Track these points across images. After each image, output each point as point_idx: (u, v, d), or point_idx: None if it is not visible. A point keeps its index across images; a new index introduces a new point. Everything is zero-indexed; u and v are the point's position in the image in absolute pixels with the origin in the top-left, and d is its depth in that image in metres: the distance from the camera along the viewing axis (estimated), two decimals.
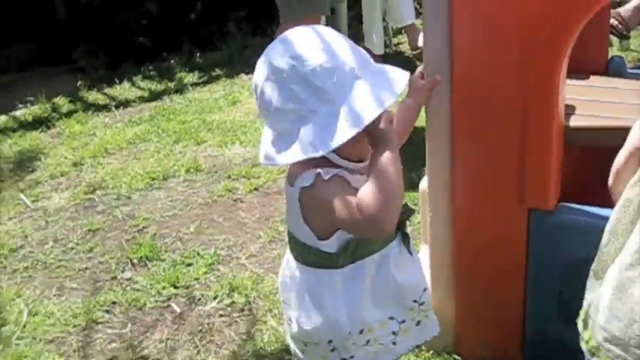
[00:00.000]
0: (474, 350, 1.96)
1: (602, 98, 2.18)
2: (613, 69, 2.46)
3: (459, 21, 1.67)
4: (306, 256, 1.52)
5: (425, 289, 1.61)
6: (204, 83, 4.76)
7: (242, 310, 2.42)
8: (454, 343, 1.99)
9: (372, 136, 1.42)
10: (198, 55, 5.24)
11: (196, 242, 2.84)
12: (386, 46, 4.93)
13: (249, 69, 4.18)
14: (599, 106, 2.10)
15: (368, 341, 1.56)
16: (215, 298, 2.49)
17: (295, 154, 1.38)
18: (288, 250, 1.61)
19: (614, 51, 3.99)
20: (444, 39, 1.69)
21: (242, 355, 2.20)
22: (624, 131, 1.95)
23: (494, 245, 1.71)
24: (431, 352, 2.03)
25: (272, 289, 2.48)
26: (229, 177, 3.36)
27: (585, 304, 1.44)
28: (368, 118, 1.36)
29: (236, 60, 5.02)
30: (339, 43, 1.43)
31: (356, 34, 5.19)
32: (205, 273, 2.63)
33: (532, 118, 1.39)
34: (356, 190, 1.40)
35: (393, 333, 1.58)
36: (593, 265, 1.43)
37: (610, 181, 1.48)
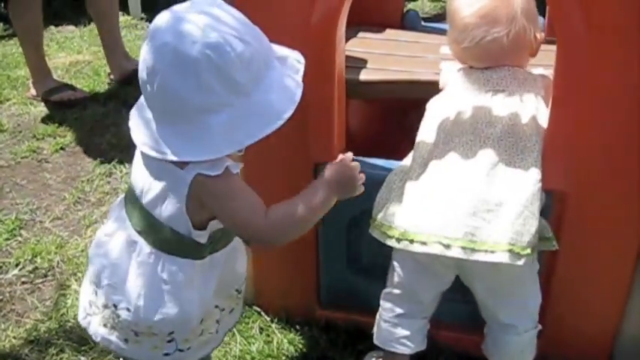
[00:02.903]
0: (273, 301, 2.02)
1: (394, 52, 2.24)
2: (408, 22, 2.54)
3: None
4: (171, 244, 1.40)
5: (245, 278, 1.60)
6: (11, 36, 4.51)
7: (45, 275, 2.35)
8: (255, 296, 2.03)
9: (332, 172, 1.42)
10: (3, 5, 4.95)
11: None
12: None
13: (59, 21, 4.03)
14: (390, 60, 2.16)
15: (202, 331, 1.51)
16: (17, 265, 2.39)
17: (205, 151, 1.28)
18: (123, 230, 1.45)
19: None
20: None
21: (44, 322, 2.14)
22: (412, 84, 2.04)
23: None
24: None
25: (76, 252, 2.42)
26: (34, 136, 3.23)
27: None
28: (285, 113, 1.31)
29: (44, 12, 4.77)
30: (249, 27, 1.32)
31: None
32: (7, 239, 2.52)
33: (310, 72, 1.41)
34: None
35: (217, 322, 1.54)
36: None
37: None
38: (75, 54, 4.27)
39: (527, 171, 1.57)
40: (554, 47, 1.56)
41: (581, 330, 1.81)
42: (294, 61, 1.39)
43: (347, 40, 2.00)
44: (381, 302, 1.74)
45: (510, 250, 1.51)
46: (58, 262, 2.39)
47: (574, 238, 1.68)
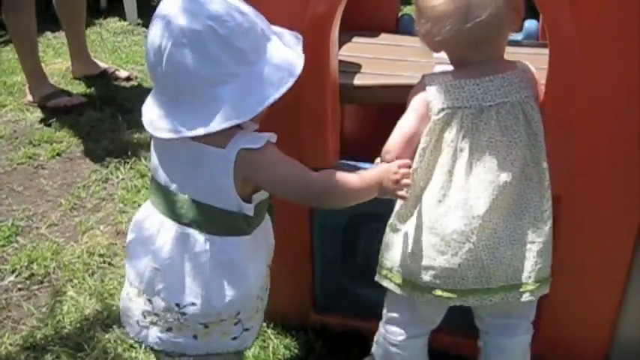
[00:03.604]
0: (269, 306, 2.00)
1: (387, 56, 2.24)
2: (403, 27, 2.54)
3: None
4: (225, 224, 1.42)
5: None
6: (7, 42, 4.51)
7: (41, 282, 2.35)
8: None
9: (382, 172, 1.50)
10: None
11: None
12: None
13: (55, 27, 4.03)
14: (385, 64, 2.16)
15: (257, 308, 1.54)
16: (13, 271, 2.40)
17: (218, 122, 1.31)
18: (165, 229, 1.44)
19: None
20: None
21: (41, 329, 2.14)
22: (407, 88, 2.04)
23: (282, 206, 1.74)
24: None
25: (72, 259, 2.42)
26: (30, 143, 3.23)
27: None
28: (287, 83, 1.36)
29: (40, 18, 4.77)
30: (244, 2, 1.38)
31: None
32: (3, 246, 2.53)
33: (304, 78, 1.41)
34: None
35: (263, 297, 1.58)
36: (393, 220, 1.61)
37: (386, 157, 1.59)
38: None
39: (543, 204, 1.56)
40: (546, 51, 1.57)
41: (578, 331, 1.81)
42: (291, 36, 1.45)
43: (341, 45, 2.01)
44: (386, 326, 1.70)
45: (536, 288, 1.57)
46: (54, 269, 2.39)
47: (568, 240, 1.68)
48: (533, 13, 1.77)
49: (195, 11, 1.30)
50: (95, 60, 3.97)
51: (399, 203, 1.61)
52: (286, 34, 1.46)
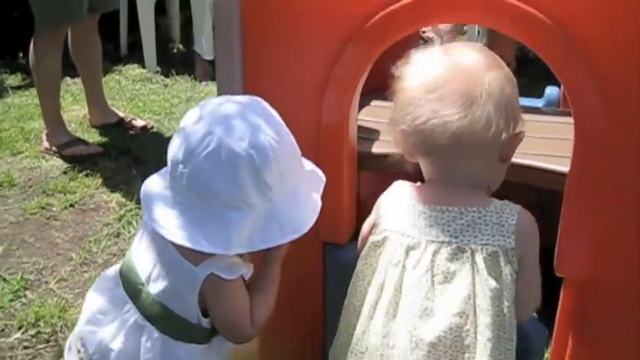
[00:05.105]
0: None
1: None
2: None
3: (251, 53, 1.64)
4: (180, 330, 1.40)
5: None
6: (27, 87, 4.54)
7: (48, 341, 2.31)
8: None
9: (274, 251, 1.40)
10: (21, 55, 5.00)
11: (3, 266, 2.69)
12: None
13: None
14: None
15: None
16: (20, 328, 2.36)
17: (212, 245, 1.27)
18: (125, 312, 1.41)
19: None
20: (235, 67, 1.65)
21: None
22: None
23: (295, 282, 1.70)
24: None
25: (78, 317, 2.38)
26: (44, 192, 3.21)
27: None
28: (305, 227, 1.34)
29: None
30: (288, 138, 1.35)
31: (188, 37, 5.14)
32: (11, 300, 2.50)
33: (323, 148, 1.39)
34: None
35: None
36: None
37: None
38: None
39: None
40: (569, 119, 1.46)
41: None
42: (318, 178, 1.43)
43: (360, 108, 1.98)
44: None
45: None
46: (61, 327, 2.36)
47: (593, 328, 1.58)
48: (553, 79, 1.70)
49: (242, 133, 1.27)
50: (112, 108, 3.98)
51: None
52: (314, 173, 1.44)
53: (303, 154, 1.43)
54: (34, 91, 4.38)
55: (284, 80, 1.63)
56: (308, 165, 1.45)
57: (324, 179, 1.45)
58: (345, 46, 1.55)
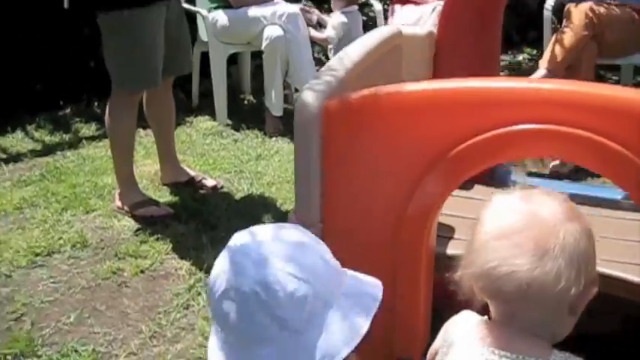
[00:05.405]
0: None
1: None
2: (498, 178, 2.49)
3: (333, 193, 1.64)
4: None
5: None
6: (101, 138, 4.64)
7: None
8: None
9: None
10: (96, 104, 5.12)
11: (75, 335, 2.74)
12: (288, 102, 4.93)
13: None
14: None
15: None
16: None
17: None
18: None
19: None
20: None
21: None
22: None
23: None
24: None
25: None
26: (116, 255, 3.27)
27: None
28: (340, 353, 1.24)
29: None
30: (316, 265, 1.28)
31: (259, 86, 5.19)
32: None
33: (399, 269, 1.38)
34: None
35: None
36: None
37: None
38: None
39: None
40: None
41: None
42: (368, 298, 1.31)
43: None
44: None
45: None
46: None
47: None
48: None
49: (250, 268, 1.24)
50: (183, 166, 4.03)
51: None
52: (366, 295, 1.32)
53: (377, 269, 1.38)
54: (107, 142, 4.50)
55: (360, 203, 1.63)
56: (357, 284, 1.33)
57: (380, 296, 1.32)
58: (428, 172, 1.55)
